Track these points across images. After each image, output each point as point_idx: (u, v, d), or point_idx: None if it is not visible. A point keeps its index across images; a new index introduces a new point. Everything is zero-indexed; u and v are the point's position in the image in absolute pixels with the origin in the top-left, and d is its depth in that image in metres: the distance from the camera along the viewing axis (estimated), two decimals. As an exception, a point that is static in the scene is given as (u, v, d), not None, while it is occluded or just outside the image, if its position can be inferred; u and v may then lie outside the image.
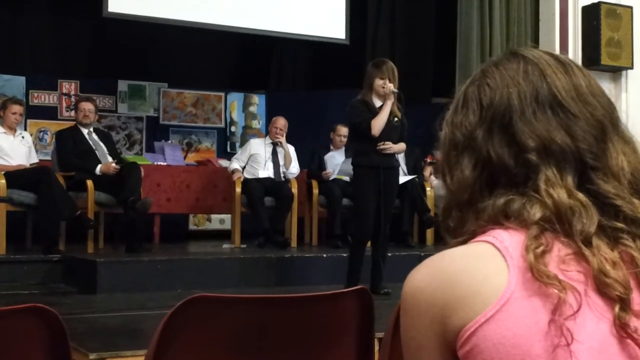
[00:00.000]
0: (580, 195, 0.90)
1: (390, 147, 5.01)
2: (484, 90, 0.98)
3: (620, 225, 0.90)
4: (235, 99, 9.52)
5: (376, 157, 4.98)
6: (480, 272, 0.87)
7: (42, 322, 1.59)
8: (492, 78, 0.99)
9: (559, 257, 0.88)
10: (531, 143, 0.92)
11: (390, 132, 5.03)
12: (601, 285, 0.86)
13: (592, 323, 0.85)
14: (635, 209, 0.91)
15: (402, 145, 5.21)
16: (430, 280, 0.89)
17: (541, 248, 0.87)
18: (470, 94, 1.00)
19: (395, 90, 4.99)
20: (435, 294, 0.88)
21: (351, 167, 5.31)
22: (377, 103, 5.05)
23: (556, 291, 0.84)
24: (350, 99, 5.21)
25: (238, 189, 6.79)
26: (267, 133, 7.45)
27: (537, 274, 0.85)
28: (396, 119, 5.06)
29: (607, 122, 0.95)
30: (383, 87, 4.98)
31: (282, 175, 7.08)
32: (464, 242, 0.93)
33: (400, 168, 7.31)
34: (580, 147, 0.92)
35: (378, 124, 4.95)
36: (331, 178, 7.10)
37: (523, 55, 1.00)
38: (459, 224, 0.97)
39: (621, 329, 0.85)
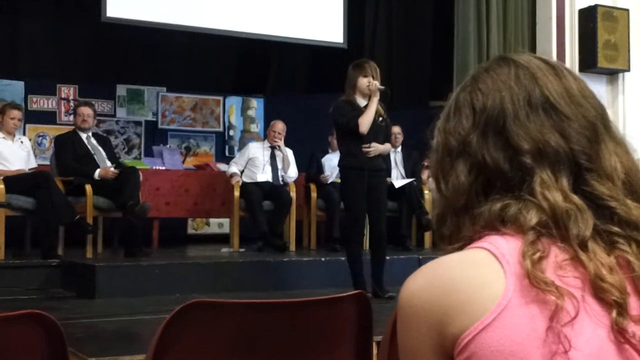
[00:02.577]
0: (576, 198, 0.90)
1: (375, 148, 4.98)
2: (476, 95, 0.98)
3: (615, 229, 0.90)
4: (233, 103, 9.53)
5: (363, 159, 4.93)
6: (477, 279, 0.87)
7: (40, 328, 1.58)
8: (484, 83, 0.99)
9: (555, 263, 0.87)
10: (525, 145, 0.92)
11: (376, 132, 5.00)
12: (598, 290, 0.86)
13: (590, 329, 0.85)
14: (629, 211, 0.91)
15: (387, 146, 5.19)
16: (427, 288, 0.89)
17: (538, 254, 0.87)
18: (462, 100, 0.99)
19: (382, 87, 4.95)
20: (432, 301, 0.88)
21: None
22: (362, 103, 5.01)
23: (553, 298, 0.84)
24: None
25: (236, 193, 6.78)
26: (266, 137, 7.45)
27: (534, 281, 0.85)
28: (381, 118, 5.03)
29: (599, 124, 0.95)
30: (368, 85, 4.94)
31: (280, 179, 7.08)
32: (460, 248, 0.93)
33: (397, 171, 7.36)
34: (574, 148, 0.92)
35: (366, 121, 4.90)
36: (329, 181, 7.10)
37: (513, 60, 1.00)
38: (454, 230, 0.96)
39: (619, 334, 0.85)
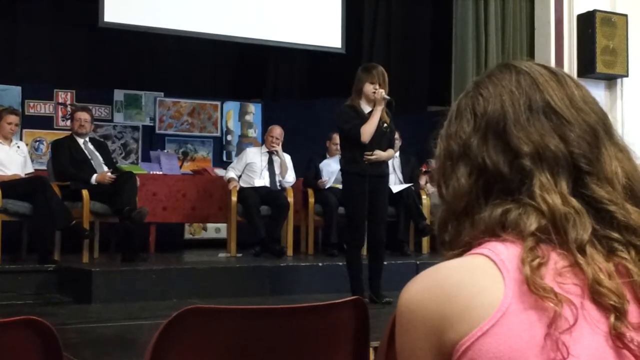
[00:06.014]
0: (574, 202, 0.90)
1: (378, 156, 4.96)
2: (478, 100, 0.99)
3: (615, 235, 0.90)
4: (231, 108, 9.53)
5: (365, 165, 4.92)
6: (477, 285, 0.87)
7: (35, 334, 1.58)
8: (485, 89, 0.99)
9: (555, 269, 0.87)
10: (525, 148, 0.93)
11: (380, 138, 4.98)
12: (596, 295, 0.86)
13: (588, 336, 0.85)
14: (629, 215, 0.91)
15: (390, 152, 5.18)
16: (426, 294, 0.89)
17: (537, 260, 0.87)
18: (464, 105, 1.00)
19: (387, 97, 4.93)
20: (432, 307, 0.87)
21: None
22: (366, 109, 4.99)
23: (552, 305, 0.84)
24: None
25: (234, 198, 6.78)
26: (263, 142, 7.46)
27: (533, 287, 0.85)
28: (385, 124, 5.02)
29: (600, 129, 0.96)
30: (374, 92, 4.91)
31: (278, 184, 7.08)
32: (460, 254, 0.93)
33: (395, 177, 7.35)
34: (573, 152, 0.93)
35: (368, 131, 4.89)
36: (327, 186, 7.10)
37: (515, 67, 1.01)
38: (455, 235, 0.96)
39: (617, 339, 0.85)
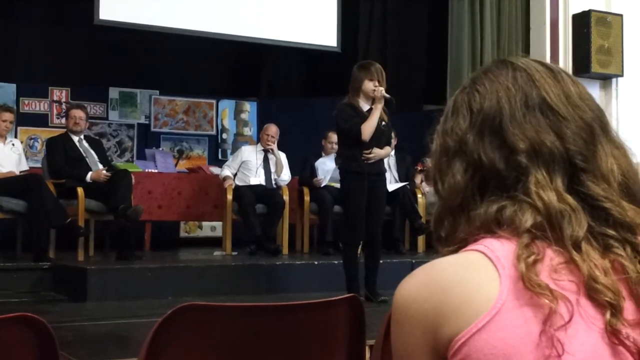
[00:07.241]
0: (570, 199, 0.90)
1: (375, 155, 4.95)
2: (474, 96, 0.99)
3: (610, 232, 0.90)
4: (226, 106, 9.53)
5: (363, 163, 4.91)
6: (472, 281, 0.87)
7: (30, 331, 1.57)
8: (482, 85, 0.99)
9: (550, 266, 0.87)
10: (521, 145, 0.93)
11: (379, 136, 4.97)
12: (591, 291, 0.86)
13: (584, 333, 0.85)
14: (624, 212, 0.91)
15: (387, 149, 5.17)
16: (421, 290, 0.89)
17: (532, 257, 0.87)
18: (460, 101, 1.00)
19: (387, 96, 4.92)
20: (427, 304, 0.87)
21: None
22: (365, 107, 4.97)
23: (547, 301, 0.84)
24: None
25: (229, 196, 6.78)
26: (259, 140, 7.45)
27: (528, 284, 0.85)
28: (384, 122, 5.01)
29: (597, 126, 0.96)
30: (374, 90, 4.91)
31: (273, 182, 7.07)
32: (455, 250, 0.93)
33: (391, 175, 7.35)
34: (569, 149, 0.93)
35: (368, 129, 4.88)
36: (322, 185, 7.10)
37: (512, 63, 1.01)
38: (451, 231, 0.96)
39: (613, 335, 0.85)
